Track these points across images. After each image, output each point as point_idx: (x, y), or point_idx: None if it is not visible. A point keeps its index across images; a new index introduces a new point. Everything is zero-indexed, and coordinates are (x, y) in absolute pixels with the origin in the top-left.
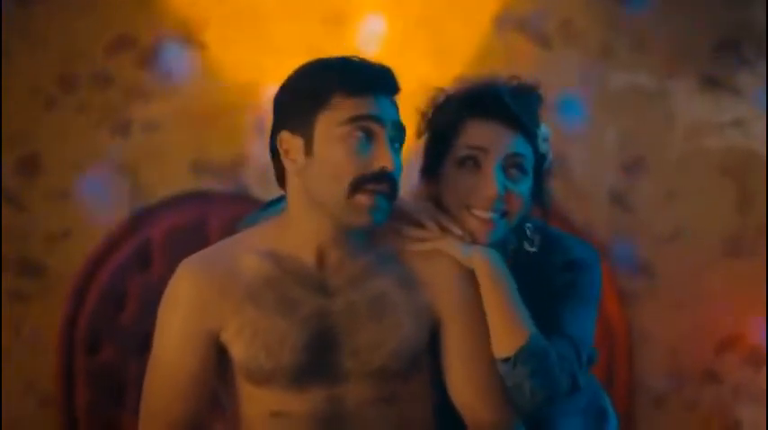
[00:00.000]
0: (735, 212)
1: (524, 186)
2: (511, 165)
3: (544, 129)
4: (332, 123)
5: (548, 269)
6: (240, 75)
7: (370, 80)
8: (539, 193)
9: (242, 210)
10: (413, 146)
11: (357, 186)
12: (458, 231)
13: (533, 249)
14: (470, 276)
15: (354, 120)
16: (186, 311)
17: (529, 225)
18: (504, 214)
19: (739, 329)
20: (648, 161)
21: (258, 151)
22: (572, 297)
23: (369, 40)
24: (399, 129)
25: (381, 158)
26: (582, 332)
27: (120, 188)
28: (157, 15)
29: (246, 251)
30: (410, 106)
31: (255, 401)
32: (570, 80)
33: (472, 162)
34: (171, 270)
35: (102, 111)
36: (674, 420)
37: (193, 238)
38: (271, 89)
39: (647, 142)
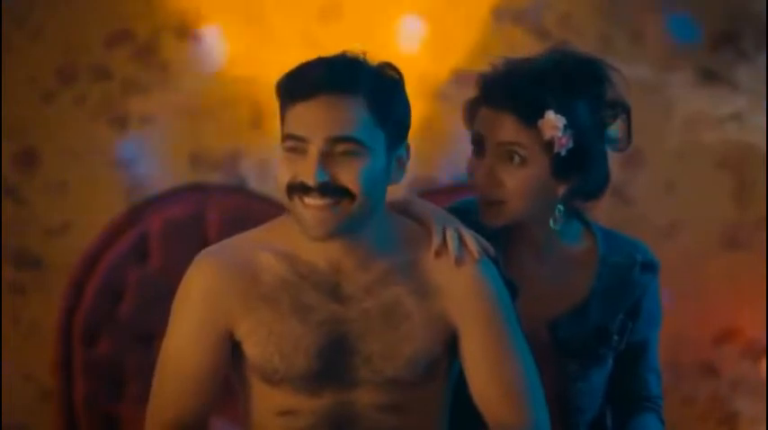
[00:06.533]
0: (733, 205)
1: (527, 175)
2: (507, 153)
3: (549, 116)
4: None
5: (632, 268)
6: (238, 68)
7: (305, 85)
8: (560, 178)
9: (239, 202)
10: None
11: (289, 195)
12: (474, 250)
13: (556, 227)
14: (488, 279)
15: (284, 138)
16: (199, 306)
17: (560, 207)
18: (501, 202)
19: (737, 322)
20: (646, 154)
21: (256, 144)
22: (654, 316)
23: (366, 32)
24: (341, 141)
25: (303, 173)
26: (656, 359)
27: (117, 181)
28: (155, 8)
29: (265, 249)
30: (409, 98)
31: (266, 399)
32: None
33: (478, 148)
34: (168, 262)
35: (100, 104)
36: (671, 412)
37: (191, 231)
38: (268, 82)
39: (645, 135)
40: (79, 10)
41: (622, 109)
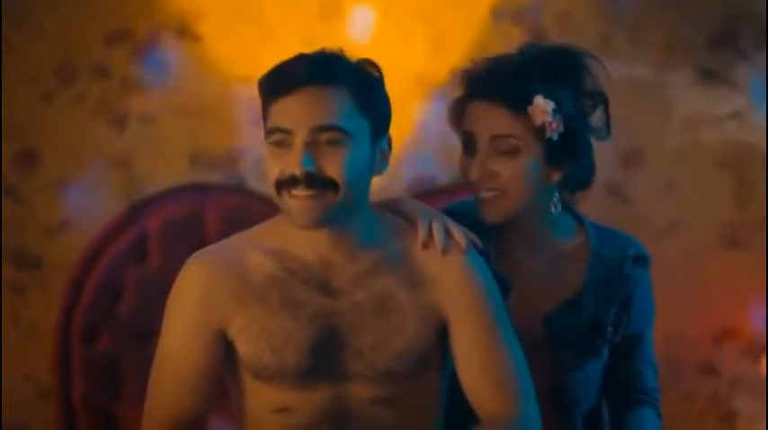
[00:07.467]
0: (733, 205)
1: (522, 164)
2: (500, 145)
3: (538, 101)
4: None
5: (623, 262)
6: (236, 67)
7: (287, 79)
8: (553, 164)
9: (238, 202)
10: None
11: (278, 190)
12: (461, 241)
13: (557, 213)
14: (477, 271)
15: (268, 133)
16: (193, 306)
17: (556, 194)
18: (499, 195)
19: (737, 321)
20: (646, 153)
21: (254, 143)
22: (646, 309)
23: (365, 32)
24: (325, 130)
25: (290, 165)
26: (652, 352)
27: (116, 180)
28: (155, 8)
29: (253, 248)
30: (407, 97)
31: (260, 397)
32: None
33: (468, 146)
34: (167, 261)
35: (99, 104)
36: (670, 411)
37: (190, 230)
38: None
39: (644, 134)
40: (79, 9)
41: (601, 98)
